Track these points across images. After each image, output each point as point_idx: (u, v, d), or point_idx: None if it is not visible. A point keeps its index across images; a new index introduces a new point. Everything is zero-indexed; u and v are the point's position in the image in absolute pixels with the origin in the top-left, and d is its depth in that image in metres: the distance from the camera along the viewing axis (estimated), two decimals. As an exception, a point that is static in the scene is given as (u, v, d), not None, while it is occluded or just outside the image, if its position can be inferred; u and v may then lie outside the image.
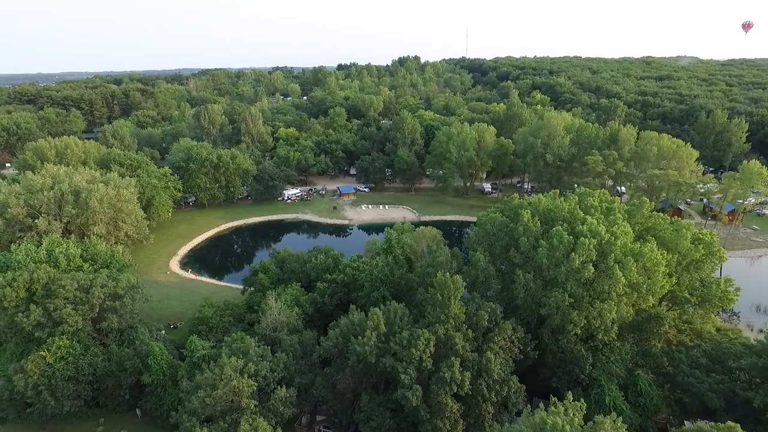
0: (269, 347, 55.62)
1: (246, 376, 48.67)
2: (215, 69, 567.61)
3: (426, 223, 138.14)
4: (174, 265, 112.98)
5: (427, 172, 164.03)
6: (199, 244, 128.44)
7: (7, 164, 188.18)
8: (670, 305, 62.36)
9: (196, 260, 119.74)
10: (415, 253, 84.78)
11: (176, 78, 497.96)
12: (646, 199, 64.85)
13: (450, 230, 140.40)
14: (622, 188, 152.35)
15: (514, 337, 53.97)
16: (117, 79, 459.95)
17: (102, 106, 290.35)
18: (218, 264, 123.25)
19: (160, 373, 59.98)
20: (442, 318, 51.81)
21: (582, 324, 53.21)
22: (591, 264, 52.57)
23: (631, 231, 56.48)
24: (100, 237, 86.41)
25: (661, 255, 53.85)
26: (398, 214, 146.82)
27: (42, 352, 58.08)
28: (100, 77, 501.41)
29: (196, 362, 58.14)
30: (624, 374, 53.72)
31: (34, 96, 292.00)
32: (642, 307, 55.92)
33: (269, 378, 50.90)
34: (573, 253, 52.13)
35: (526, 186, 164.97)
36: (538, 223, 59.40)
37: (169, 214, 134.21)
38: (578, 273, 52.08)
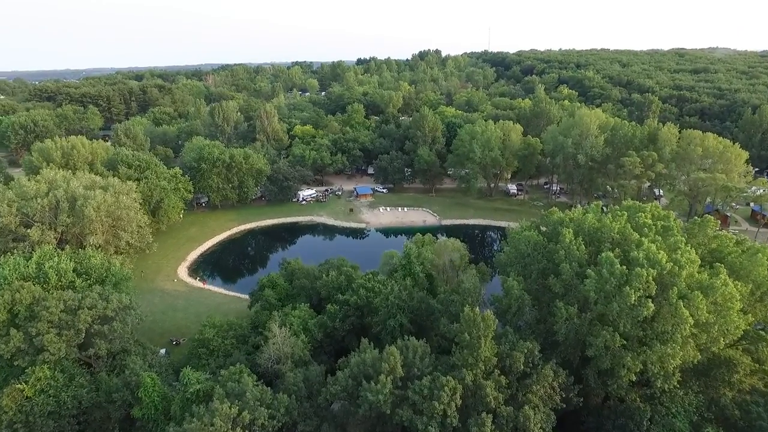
0: (269, 388, 48.44)
1: (240, 427, 41.65)
2: (235, 64, 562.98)
3: (447, 227, 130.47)
4: (182, 271, 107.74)
5: (449, 172, 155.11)
6: (209, 248, 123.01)
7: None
8: (739, 342, 52.83)
9: (206, 266, 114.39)
10: (436, 267, 76.87)
11: (196, 74, 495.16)
12: (711, 216, 55.14)
13: (473, 234, 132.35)
14: (660, 191, 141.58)
15: (555, 382, 45.56)
16: (138, 75, 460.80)
17: (119, 102, 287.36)
18: (229, 269, 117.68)
19: (151, 407, 53.66)
20: (471, 361, 43.72)
21: (638, 369, 44.55)
22: (649, 299, 43.80)
23: (698, 258, 47.22)
24: (98, 247, 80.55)
25: (735, 288, 44.68)
26: (418, 217, 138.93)
27: (19, 385, 52.23)
28: (122, 73, 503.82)
29: (189, 398, 51.85)
30: (689, 430, 44.83)
31: (54, 93, 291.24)
32: (710, 348, 46.77)
33: (267, 427, 43.74)
34: (627, 287, 43.34)
35: (554, 188, 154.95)
36: (582, 245, 50.60)
37: (180, 217, 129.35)
38: (634, 311, 43.33)
